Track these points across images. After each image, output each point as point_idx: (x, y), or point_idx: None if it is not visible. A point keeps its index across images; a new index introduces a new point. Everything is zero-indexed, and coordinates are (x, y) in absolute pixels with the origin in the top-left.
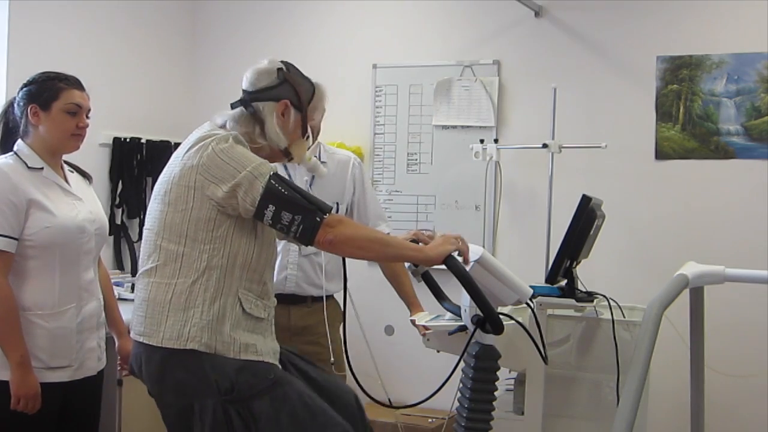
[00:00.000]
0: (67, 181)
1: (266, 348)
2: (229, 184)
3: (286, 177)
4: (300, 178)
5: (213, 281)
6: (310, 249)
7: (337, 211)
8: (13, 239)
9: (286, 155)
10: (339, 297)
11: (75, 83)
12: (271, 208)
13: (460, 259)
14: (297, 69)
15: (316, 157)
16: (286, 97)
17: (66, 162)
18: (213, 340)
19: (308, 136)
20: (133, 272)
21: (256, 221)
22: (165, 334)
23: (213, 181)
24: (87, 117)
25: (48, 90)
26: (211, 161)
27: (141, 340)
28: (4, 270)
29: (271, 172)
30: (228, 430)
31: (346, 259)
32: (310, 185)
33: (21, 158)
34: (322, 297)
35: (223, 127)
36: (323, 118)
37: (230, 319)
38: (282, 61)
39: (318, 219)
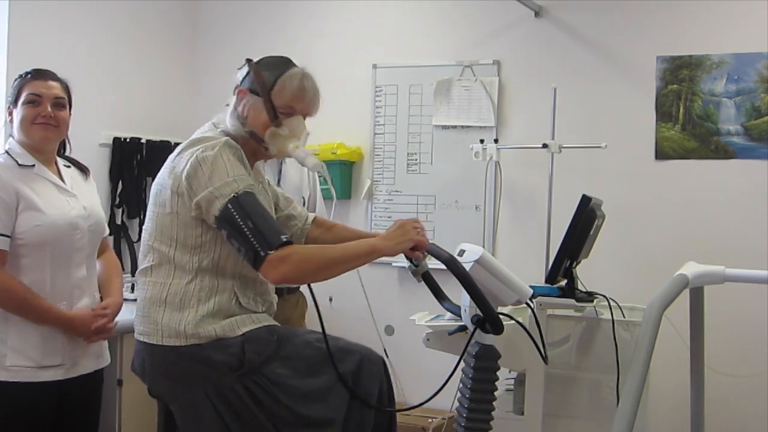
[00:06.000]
0: (61, 176)
1: (263, 316)
2: (196, 197)
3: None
4: (270, 173)
5: (206, 281)
6: None
7: (303, 204)
8: (5, 237)
9: (259, 143)
10: (304, 289)
11: (38, 75)
12: (224, 231)
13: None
14: (276, 58)
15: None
16: (245, 85)
17: (63, 156)
18: (212, 330)
19: (279, 124)
20: (133, 272)
21: None
22: (164, 333)
23: (189, 190)
24: (62, 106)
25: (15, 87)
26: (193, 169)
27: (142, 339)
28: (1, 265)
29: (233, 194)
30: (252, 402)
31: None
32: (279, 182)
33: (12, 156)
34: (294, 289)
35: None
36: (312, 105)
37: (225, 312)
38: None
39: (262, 254)
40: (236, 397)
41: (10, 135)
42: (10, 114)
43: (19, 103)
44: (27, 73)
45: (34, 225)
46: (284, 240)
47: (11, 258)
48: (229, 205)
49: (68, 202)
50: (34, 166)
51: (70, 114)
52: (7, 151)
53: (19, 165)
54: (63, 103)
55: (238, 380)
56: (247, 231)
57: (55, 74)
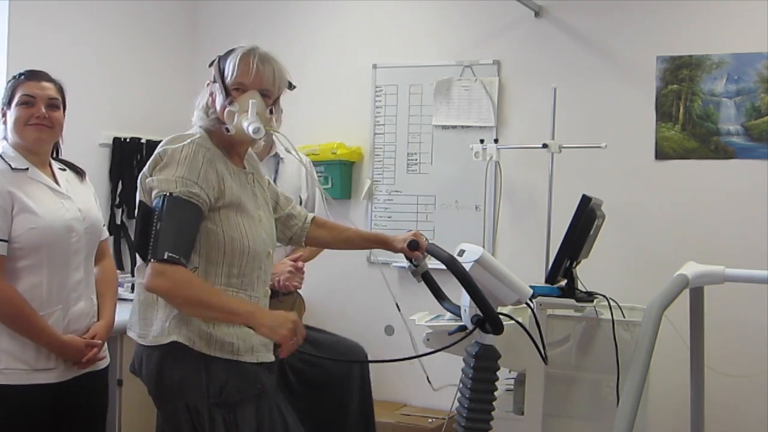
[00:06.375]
0: (56, 179)
1: (246, 346)
2: (146, 180)
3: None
4: (267, 173)
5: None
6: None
7: (300, 203)
8: (4, 242)
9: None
10: (302, 292)
11: (31, 75)
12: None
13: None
14: (238, 47)
15: (274, 156)
16: (210, 79)
17: (58, 159)
18: (192, 333)
19: (231, 101)
20: (133, 272)
21: (216, 217)
22: (154, 332)
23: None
24: (56, 107)
25: (9, 89)
26: (153, 162)
27: (139, 341)
28: (1, 272)
29: (166, 193)
30: None
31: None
32: (275, 181)
33: (5, 160)
34: (290, 291)
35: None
36: (262, 78)
37: None
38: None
39: (149, 258)
40: (203, 422)
41: (4, 138)
42: (4, 115)
43: (13, 104)
44: (21, 74)
45: (29, 228)
46: (167, 257)
47: (8, 263)
48: (156, 200)
49: (63, 205)
50: (27, 169)
51: (64, 115)
52: (0, 155)
53: (13, 169)
54: (57, 104)
55: (209, 407)
56: (153, 231)
57: (48, 75)
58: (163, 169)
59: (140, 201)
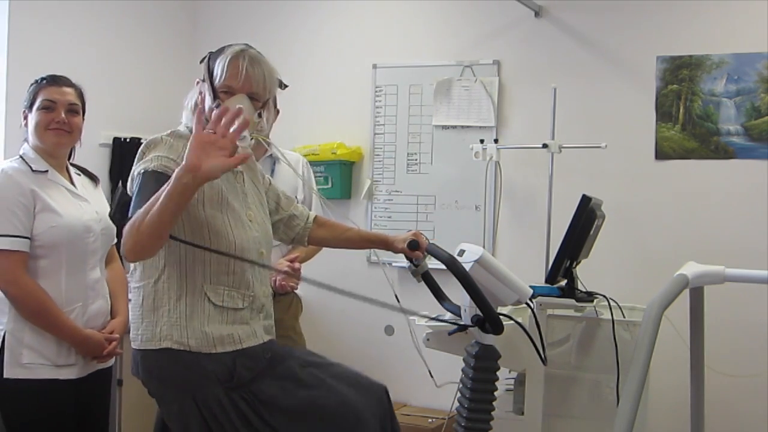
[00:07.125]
0: (73, 183)
1: (247, 332)
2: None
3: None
4: (265, 169)
5: (174, 279)
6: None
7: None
8: (27, 239)
9: None
10: (301, 292)
11: (52, 81)
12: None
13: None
14: (228, 47)
15: (270, 156)
16: (201, 78)
17: (73, 164)
18: (184, 337)
19: (219, 104)
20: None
21: (200, 213)
22: (143, 336)
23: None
24: (75, 112)
25: (30, 93)
26: (137, 158)
27: (132, 345)
28: (24, 269)
29: (147, 168)
30: (237, 418)
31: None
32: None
33: (26, 162)
34: (287, 292)
35: None
36: (251, 82)
37: (199, 315)
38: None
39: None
40: (221, 411)
41: (25, 139)
42: (25, 118)
43: (34, 108)
44: (42, 79)
45: (50, 226)
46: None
47: (29, 260)
48: (141, 175)
49: (81, 206)
50: (47, 171)
51: (83, 120)
52: (21, 156)
53: (33, 170)
54: (77, 109)
55: (225, 393)
56: (127, 203)
57: (69, 80)
58: (142, 159)
59: (122, 192)
